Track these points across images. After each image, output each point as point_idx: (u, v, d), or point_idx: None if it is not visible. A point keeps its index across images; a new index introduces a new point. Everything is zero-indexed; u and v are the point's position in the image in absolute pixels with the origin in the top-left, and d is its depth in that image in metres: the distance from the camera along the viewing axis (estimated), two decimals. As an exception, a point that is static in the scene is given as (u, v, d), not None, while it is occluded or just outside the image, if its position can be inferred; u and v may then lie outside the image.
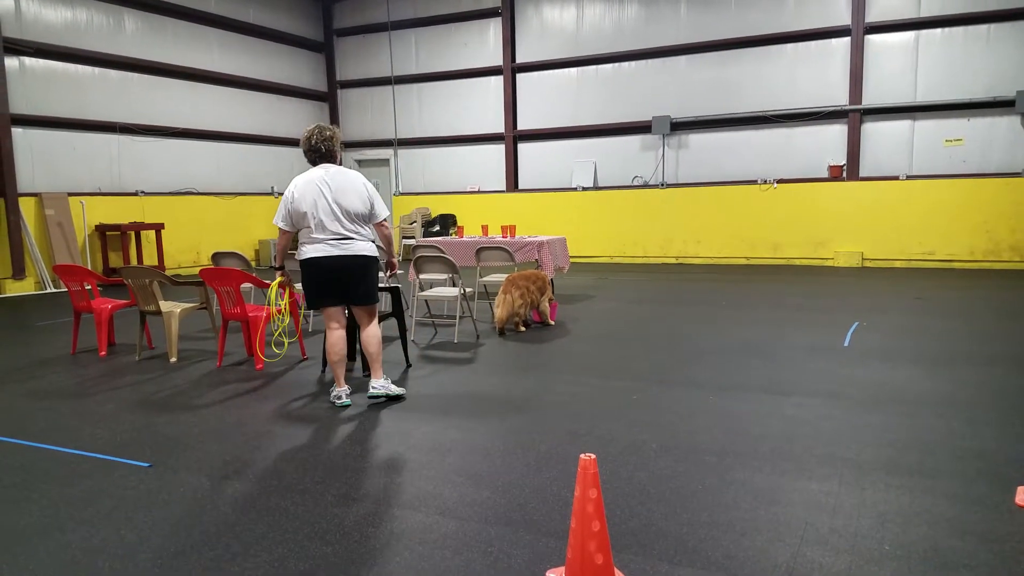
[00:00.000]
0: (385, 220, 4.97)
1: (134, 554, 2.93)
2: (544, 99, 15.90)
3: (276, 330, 6.14)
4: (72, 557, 2.91)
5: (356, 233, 4.77)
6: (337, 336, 4.95)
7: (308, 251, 4.76)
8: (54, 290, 12.05)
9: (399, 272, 5.63)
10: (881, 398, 4.85)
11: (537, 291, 7.47)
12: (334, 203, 4.69)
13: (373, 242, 5.00)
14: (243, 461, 3.95)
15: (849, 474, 3.57)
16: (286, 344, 6.57)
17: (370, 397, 4.99)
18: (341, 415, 4.76)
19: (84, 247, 12.82)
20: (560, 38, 15.49)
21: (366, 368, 5.80)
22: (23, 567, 2.84)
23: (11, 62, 11.75)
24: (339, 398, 4.95)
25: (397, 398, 5.05)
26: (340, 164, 4.95)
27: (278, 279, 5.42)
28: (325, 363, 5.93)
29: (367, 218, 4.84)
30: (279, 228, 4.91)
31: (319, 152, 4.83)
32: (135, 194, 13.78)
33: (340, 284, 4.82)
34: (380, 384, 4.99)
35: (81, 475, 3.79)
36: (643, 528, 3.05)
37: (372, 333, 5.00)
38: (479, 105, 16.55)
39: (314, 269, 4.77)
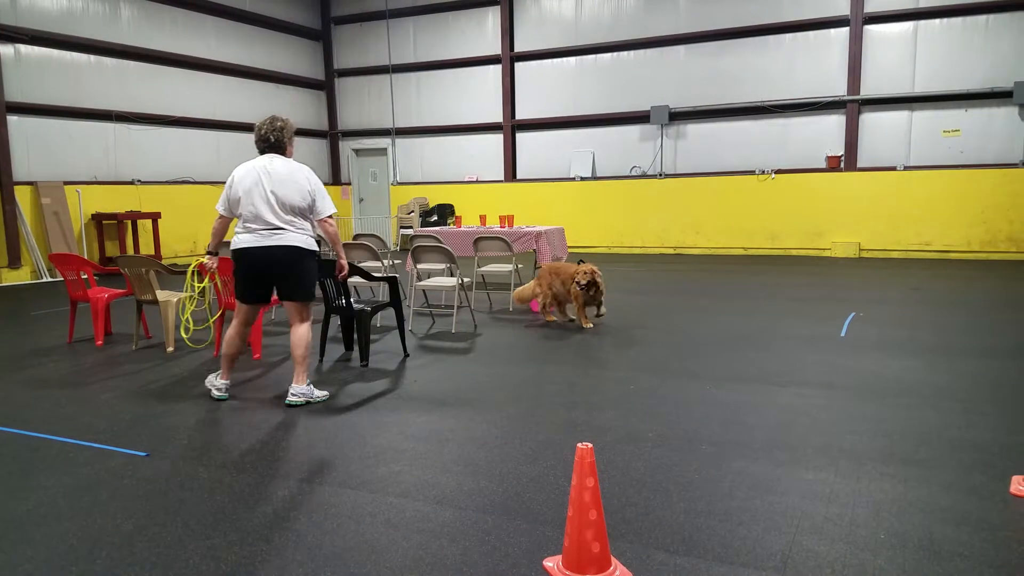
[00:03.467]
0: (330, 216, 4.79)
1: (131, 543, 2.93)
2: (543, 88, 15.85)
3: (185, 313, 6.13)
4: (69, 545, 2.92)
5: (291, 225, 4.64)
6: (237, 333, 4.86)
7: (238, 240, 4.67)
8: (50, 279, 12.02)
9: (350, 275, 5.38)
10: (877, 389, 4.86)
11: (560, 284, 7.18)
12: (270, 192, 4.58)
13: (318, 240, 4.88)
14: (240, 450, 3.95)
15: (845, 464, 3.58)
16: (191, 329, 6.45)
17: (288, 404, 4.73)
18: (340, 405, 4.76)
19: (80, 236, 12.78)
20: (559, 27, 15.42)
21: (364, 358, 5.80)
22: (21, 555, 2.85)
23: (6, 49, 11.68)
24: (218, 389, 4.90)
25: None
26: (290, 157, 4.80)
27: (195, 262, 5.30)
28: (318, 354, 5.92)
29: (306, 212, 4.70)
30: (218, 212, 4.80)
31: (268, 142, 4.72)
32: (131, 183, 13.73)
33: (268, 278, 4.72)
34: (300, 391, 4.75)
35: (78, 464, 3.79)
36: (640, 517, 3.06)
37: (301, 335, 4.76)
38: (477, 94, 16.49)
39: (242, 259, 4.68)
